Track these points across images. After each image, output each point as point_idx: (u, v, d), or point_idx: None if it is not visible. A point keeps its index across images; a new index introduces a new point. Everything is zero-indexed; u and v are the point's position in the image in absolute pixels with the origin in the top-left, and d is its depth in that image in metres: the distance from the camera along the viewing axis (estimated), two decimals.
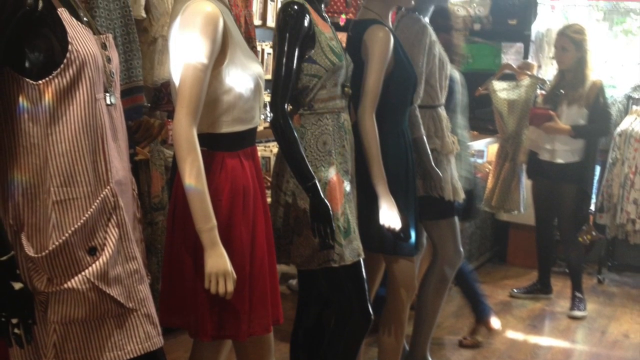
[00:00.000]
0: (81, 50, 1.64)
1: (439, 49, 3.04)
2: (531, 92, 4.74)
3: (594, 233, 4.85)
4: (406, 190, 2.76)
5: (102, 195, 1.70)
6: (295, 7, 2.31)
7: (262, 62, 4.37)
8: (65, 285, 1.65)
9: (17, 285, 1.59)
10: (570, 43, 4.32)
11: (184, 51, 1.93)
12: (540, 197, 4.64)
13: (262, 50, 4.42)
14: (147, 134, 2.25)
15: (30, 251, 1.64)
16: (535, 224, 4.79)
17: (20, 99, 1.61)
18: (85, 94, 1.66)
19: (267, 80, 2.57)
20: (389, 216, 2.58)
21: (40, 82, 1.61)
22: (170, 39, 2.03)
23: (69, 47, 1.62)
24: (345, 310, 2.50)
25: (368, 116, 2.57)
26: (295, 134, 2.29)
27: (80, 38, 1.65)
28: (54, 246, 1.63)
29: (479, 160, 5.33)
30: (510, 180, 4.80)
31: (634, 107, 5.30)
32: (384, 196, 2.58)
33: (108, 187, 1.71)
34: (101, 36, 1.77)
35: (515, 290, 4.84)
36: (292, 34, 2.29)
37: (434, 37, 3.00)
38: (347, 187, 2.46)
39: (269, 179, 2.85)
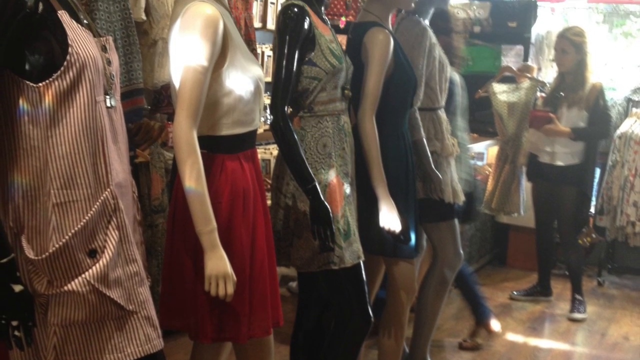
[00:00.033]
0: (81, 53, 1.64)
1: (439, 51, 3.04)
2: (531, 95, 4.73)
3: (593, 235, 4.85)
4: (406, 193, 2.76)
5: (102, 198, 1.70)
6: (295, 9, 2.31)
7: (262, 64, 4.36)
8: (66, 288, 1.65)
9: (18, 288, 1.59)
10: (570, 45, 4.32)
11: (184, 54, 1.93)
12: (540, 199, 4.64)
13: (262, 52, 4.42)
14: (147, 136, 2.25)
15: (30, 253, 1.64)
16: (535, 227, 4.79)
17: (21, 101, 1.61)
18: (86, 96, 1.66)
19: (267, 83, 2.57)
20: (389, 219, 2.58)
21: (40, 84, 1.61)
22: (171, 41, 2.03)
23: (69, 49, 1.62)
24: (345, 312, 2.50)
25: (368, 119, 2.57)
26: (295, 137, 2.29)
27: (81, 41, 1.65)
28: (54, 248, 1.63)
29: (479, 163, 5.32)
30: (510, 182, 4.79)
31: (634, 110, 5.30)
32: (384, 199, 2.58)
33: (108, 190, 1.71)
34: (101, 39, 1.77)
35: (515, 293, 4.84)
36: (292, 36, 2.29)
37: (434, 39, 3.00)
38: (347, 189, 2.46)
39: (269, 181, 2.84)
